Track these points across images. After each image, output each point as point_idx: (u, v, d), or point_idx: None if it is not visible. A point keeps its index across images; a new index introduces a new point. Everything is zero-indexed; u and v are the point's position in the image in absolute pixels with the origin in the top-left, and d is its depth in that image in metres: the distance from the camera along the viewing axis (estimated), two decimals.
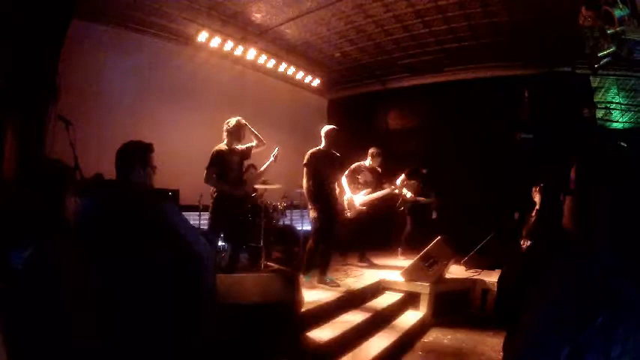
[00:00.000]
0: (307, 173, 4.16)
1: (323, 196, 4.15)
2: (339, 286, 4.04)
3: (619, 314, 0.49)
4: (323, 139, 4.33)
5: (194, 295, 1.53)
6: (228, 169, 3.76)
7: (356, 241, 5.35)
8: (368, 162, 5.36)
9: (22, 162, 3.04)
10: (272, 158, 4.10)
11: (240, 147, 3.87)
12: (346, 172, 5.29)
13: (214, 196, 3.75)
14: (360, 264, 5.21)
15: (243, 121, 3.86)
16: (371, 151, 5.38)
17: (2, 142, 2.99)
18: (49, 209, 1.36)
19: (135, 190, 1.76)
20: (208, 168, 3.66)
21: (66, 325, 1.23)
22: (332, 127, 4.39)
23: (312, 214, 4.14)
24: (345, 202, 5.17)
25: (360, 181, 5.31)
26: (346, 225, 5.18)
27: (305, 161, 4.20)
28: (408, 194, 5.90)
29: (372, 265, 5.23)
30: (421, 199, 6.00)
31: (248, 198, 4.20)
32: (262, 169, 4.16)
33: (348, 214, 5.15)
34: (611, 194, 0.79)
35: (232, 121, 3.82)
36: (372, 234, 5.63)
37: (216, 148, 3.76)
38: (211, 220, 3.83)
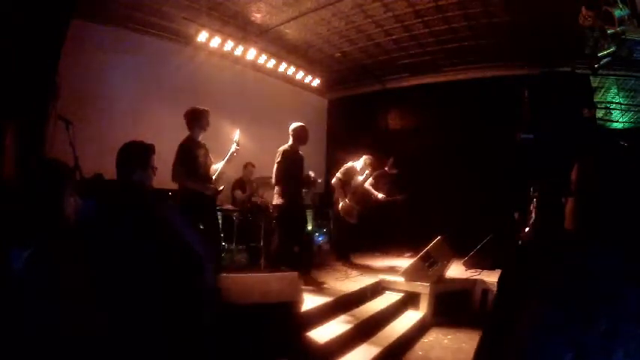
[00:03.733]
0: (278, 169, 4.01)
1: (290, 189, 4.00)
2: (324, 283, 4.01)
3: (621, 316, 0.49)
4: (291, 136, 4.10)
5: (195, 295, 1.53)
6: (196, 165, 3.45)
7: (354, 242, 5.36)
8: (360, 166, 5.29)
9: (22, 162, 3.04)
10: (234, 145, 3.58)
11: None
12: (339, 175, 5.20)
13: (181, 195, 3.43)
14: (354, 265, 5.20)
15: (201, 107, 3.53)
16: (366, 158, 5.30)
17: (2, 142, 2.99)
18: (49, 209, 1.36)
19: (135, 191, 1.76)
20: (176, 164, 3.34)
21: (66, 325, 1.23)
22: (301, 124, 4.15)
23: (276, 200, 4.01)
24: (343, 209, 5.12)
25: (352, 184, 5.22)
26: (349, 228, 5.17)
27: (278, 159, 4.01)
28: (380, 195, 5.75)
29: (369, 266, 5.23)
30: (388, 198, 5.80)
31: (216, 196, 3.70)
32: (227, 158, 3.62)
33: (352, 220, 5.13)
34: (613, 195, 0.79)
35: (192, 109, 3.52)
36: (368, 235, 5.61)
37: (181, 142, 3.46)
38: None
